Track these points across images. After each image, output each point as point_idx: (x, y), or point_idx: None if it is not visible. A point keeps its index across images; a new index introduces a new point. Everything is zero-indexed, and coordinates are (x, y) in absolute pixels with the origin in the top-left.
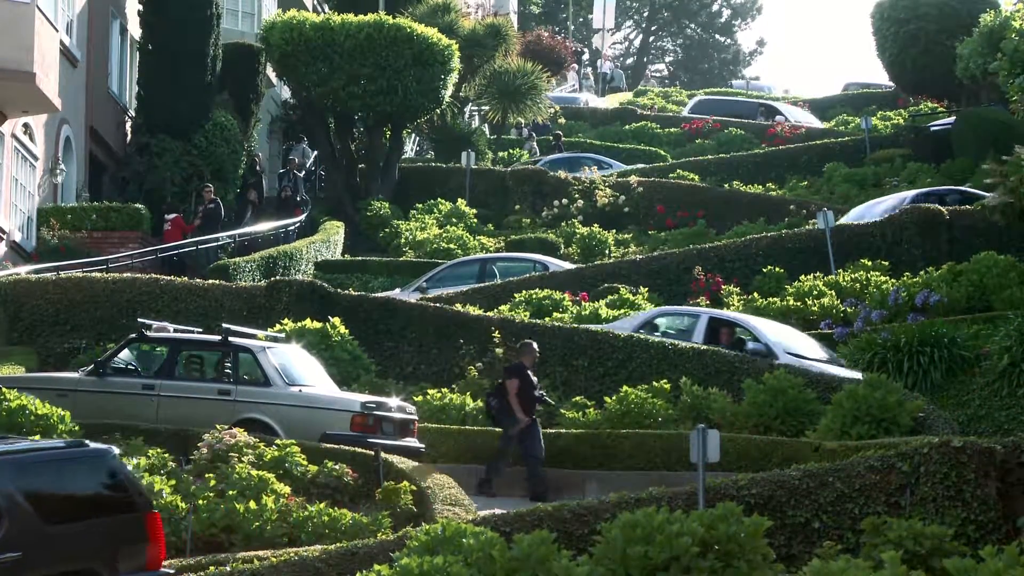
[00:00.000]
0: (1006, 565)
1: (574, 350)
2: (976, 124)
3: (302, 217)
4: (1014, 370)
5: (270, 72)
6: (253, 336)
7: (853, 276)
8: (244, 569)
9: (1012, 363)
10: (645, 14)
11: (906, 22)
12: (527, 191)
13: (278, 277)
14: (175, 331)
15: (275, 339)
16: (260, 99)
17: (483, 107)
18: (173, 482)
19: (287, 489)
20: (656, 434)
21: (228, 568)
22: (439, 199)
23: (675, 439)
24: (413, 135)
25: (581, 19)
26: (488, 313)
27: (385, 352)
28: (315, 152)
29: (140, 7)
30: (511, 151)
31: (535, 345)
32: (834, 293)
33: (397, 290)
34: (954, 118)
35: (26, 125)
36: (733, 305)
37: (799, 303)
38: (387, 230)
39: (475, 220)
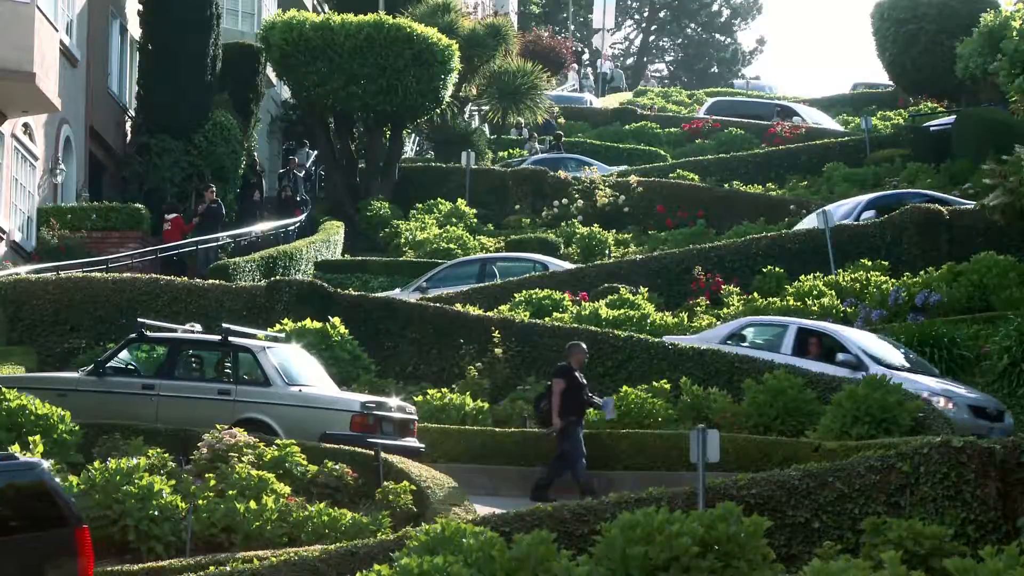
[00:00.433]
0: (1006, 565)
1: None
2: (976, 124)
3: (302, 217)
4: (1014, 370)
5: (270, 72)
6: (253, 336)
7: (853, 276)
8: (244, 569)
9: (1012, 363)
10: (645, 14)
11: (906, 22)
12: (527, 191)
13: (278, 277)
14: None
15: (275, 339)
16: (260, 99)
17: (483, 107)
18: (173, 482)
19: (287, 489)
20: (656, 434)
21: (228, 568)
22: (439, 199)
23: (675, 439)
24: (413, 135)
25: (581, 19)
26: (488, 313)
27: (385, 352)
28: (315, 152)
29: (140, 7)
30: (511, 151)
31: (583, 346)
32: (834, 293)
33: (397, 290)
34: (953, 117)
35: (26, 125)
36: (733, 305)
37: (799, 303)
38: (387, 230)
39: (475, 220)
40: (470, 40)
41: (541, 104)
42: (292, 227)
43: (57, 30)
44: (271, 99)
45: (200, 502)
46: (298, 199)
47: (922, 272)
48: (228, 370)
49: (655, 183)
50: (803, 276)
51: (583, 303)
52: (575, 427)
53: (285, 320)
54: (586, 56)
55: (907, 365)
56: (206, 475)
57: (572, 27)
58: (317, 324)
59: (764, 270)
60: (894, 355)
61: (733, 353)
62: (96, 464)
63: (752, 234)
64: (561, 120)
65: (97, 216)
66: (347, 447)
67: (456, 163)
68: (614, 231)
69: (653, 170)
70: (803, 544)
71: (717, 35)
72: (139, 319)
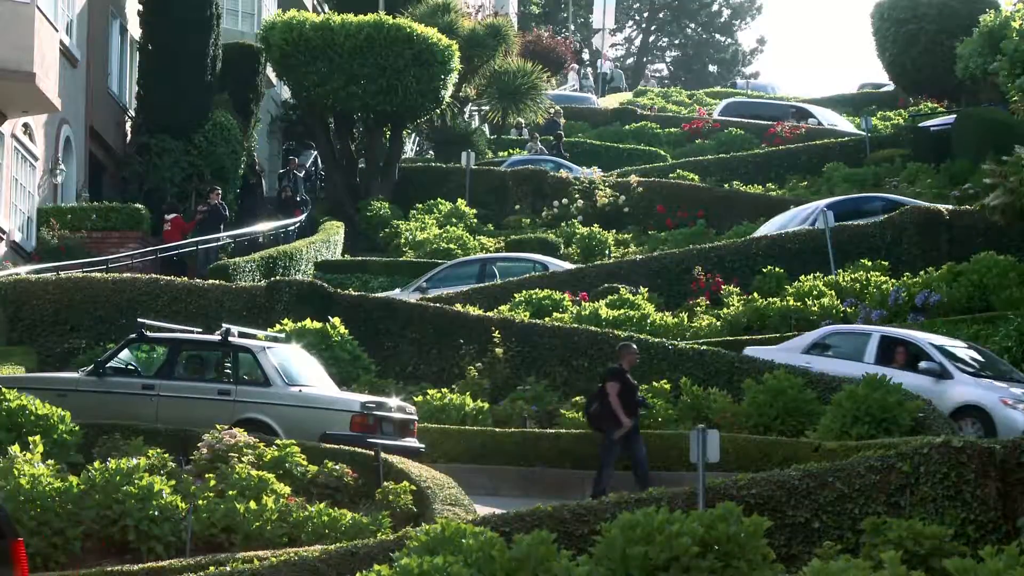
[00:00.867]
0: (1006, 565)
1: (574, 350)
2: (976, 124)
3: (302, 217)
4: None
5: (270, 72)
6: (253, 336)
7: (853, 276)
8: (244, 569)
9: (1012, 363)
10: (645, 14)
11: (906, 22)
12: (527, 191)
13: (278, 277)
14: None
15: (275, 339)
16: (260, 99)
17: (483, 107)
18: (173, 482)
19: (287, 489)
20: (656, 434)
21: (228, 568)
22: (439, 199)
23: (675, 439)
24: (413, 135)
25: (581, 19)
26: (488, 313)
27: (385, 352)
28: (315, 152)
29: (140, 7)
30: (511, 151)
31: (634, 346)
32: (834, 293)
33: (397, 290)
34: (951, 117)
35: (26, 125)
36: (733, 305)
37: (799, 303)
38: (387, 230)
39: (475, 220)
40: (470, 40)
41: (541, 104)
42: (292, 227)
43: (57, 30)
44: (271, 99)
45: (200, 502)
46: (298, 199)
47: (922, 272)
48: (228, 370)
49: (655, 183)
50: (803, 276)
51: (583, 303)
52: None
53: (285, 320)
54: (586, 56)
55: (990, 373)
56: (206, 475)
57: (572, 27)
58: (317, 324)
59: (764, 270)
60: (978, 361)
61: (734, 354)
62: (96, 464)
63: (752, 234)
64: (561, 120)
65: (97, 216)
66: (347, 447)
67: (456, 163)
68: (614, 231)
69: (653, 170)
70: (803, 544)
71: (717, 35)
72: (139, 319)
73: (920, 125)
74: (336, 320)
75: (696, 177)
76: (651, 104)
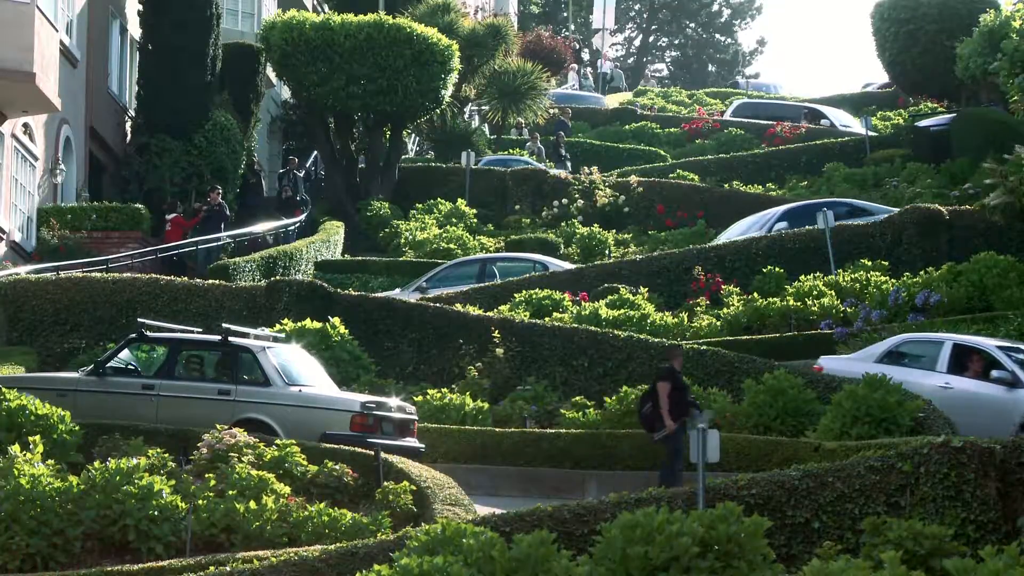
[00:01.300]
0: (1006, 565)
1: (574, 350)
2: (976, 124)
3: (302, 217)
4: None
5: (270, 72)
6: (246, 335)
7: (853, 276)
8: (244, 569)
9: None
10: (645, 14)
11: (906, 22)
12: (527, 191)
13: (278, 277)
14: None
15: (275, 339)
16: (260, 99)
17: (483, 107)
18: (173, 482)
19: (287, 489)
20: None
21: (228, 568)
22: (439, 199)
23: None
24: (413, 135)
25: (581, 19)
26: (488, 313)
27: (385, 352)
28: (314, 152)
29: (140, 7)
30: (511, 151)
31: (683, 347)
32: (834, 293)
33: (397, 290)
34: (949, 116)
35: (26, 125)
36: (733, 305)
37: (799, 303)
38: (387, 230)
39: (475, 220)
40: (470, 40)
41: (541, 104)
42: (292, 227)
43: (57, 30)
44: (271, 99)
45: (200, 502)
46: (298, 199)
47: (922, 272)
48: (228, 370)
49: (655, 183)
50: (803, 276)
51: (583, 303)
52: (677, 430)
53: (285, 320)
54: (586, 56)
55: None
56: (206, 475)
57: (572, 27)
58: (317, 324)
59: (764, 270)
60: None
61: (734, 353)
62: (96, 464)
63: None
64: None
65: (97, 216)
66: (347, 447)
67: (456, 163)
68: (614, 231)
69: (653, 170)
70: (803, 544)
71: (717, 35)
72: (139, 319)
73: (918, 125)
74: (336, 320)
75: (696, 177)
76: (651, 104)
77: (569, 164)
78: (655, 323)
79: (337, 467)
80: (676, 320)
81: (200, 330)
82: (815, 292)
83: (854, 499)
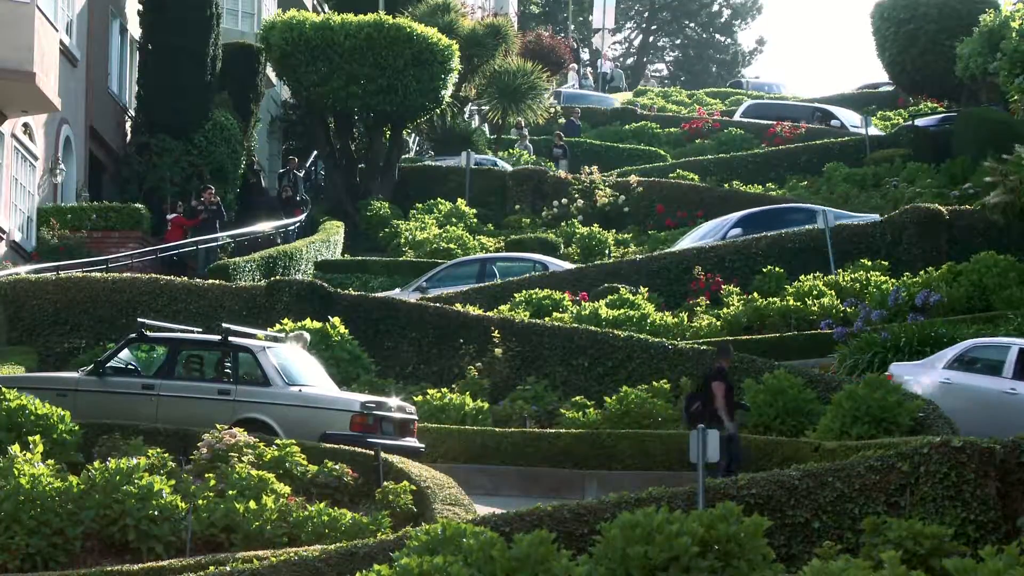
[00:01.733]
0: (1006, 565)
1: (574, 350)
2: (976, 124)
3: (302, 217)
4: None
5: (270, 72)
6: (253, 336)
7: (853, 276)
8: (244, 569)
9: None
10: (645, 14)
11: (906, 22)
12: (527, 191)
13: (278, 277)
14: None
15: (275, 339)
16: (260, 99)
17: (483, 107)
18: (173, 482)
19: (287, 489)
20: (656, 434)
21: (228, 568)
22: (439, 199)
23: (675, 439)
24: (413, 135)
25: (581, 19)
26: (488, 313)
27: (385, 352)
28: (315, 152)
29: (140, 7)
30: (511, 151)
31: (731, 347)
32: (834, 293)
33: (397, 290)
34: (945, 114)
35: (26, 125)
36: (733, 305)
37: (799, 303)
38: (387, 230)
39: (475, 220)
40: (470, 40)
41: (541, 104)
42: (292, 227)
43: (57, 30)
44: (271, 99)
45: (200, 502)
46: (298, 199)
47: (922, 272)
48: (228, 370)
49: (655, 183)
50: (803, 276)
51: (583, 303)
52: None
53: (285, 320)
54: (585, 56)
55: None
56: (206, 475)
57: (572, 27)
58: (317, 324)
59: (764, 270)
60: None
61: (733, 353)
62: (96, 464)
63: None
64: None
65: (97, 216)
66: (347, 447)
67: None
68: (614, 231)
69: (653, 170)
70: (803, 544)
71: (717, 35)
72: (139, 319)
73: (916, 124)
74: (336, 320)
75: (696, 177)
76: (651, 104)
77: (566, 162)
78: (655, 323)
79: (337, 467)
80: (676, 320)
81: (200, 330)
82: (815, 292)
83: (854, 499)
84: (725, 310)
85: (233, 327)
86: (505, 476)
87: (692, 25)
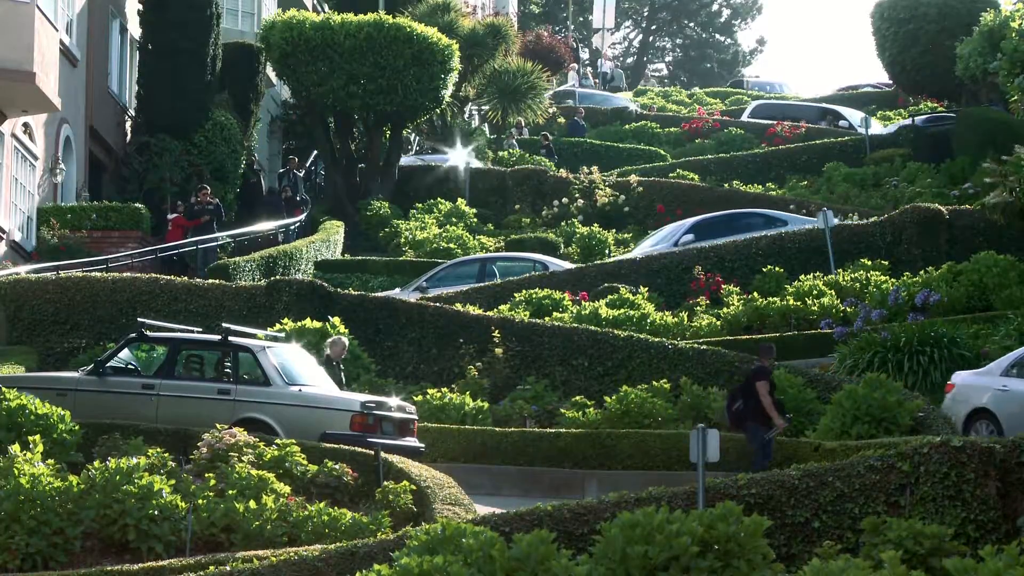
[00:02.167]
0: (1006, 565)
1: (574, 350)
2: (976, 124)
3: (302, 217)
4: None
5: (270, 72)
6: (253, 336)
7: (853, 276)
8: (244, 569)
9: None
10: (645, 14)
11: (906, 22)
12: (527, 191)
13: (278, 277)
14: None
15: (275, 339)
16: (260, 99)
17: (483, 107)
18: (173, 482)
19: (287, 489)
20: (656, 434)
21: (228, 568)
22: (439, 199)
23: (675, 439)
24: (413, 135)
25: (581, 19)
26: (488, 313)
27: (385, 352)
28: (315, 152)
29: (140, 7)
30: (510, 151)
31: (774, 346)
32: (834, 293)
33: (397, 290)
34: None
35: (26, 125)
36: (733, 305)
37: (799, 303)
38: (387, 230)
39: (475, 220)
40: (470, 40)
41: (541, 103)
42: (292, 227)
43: (57, 30)
44: (271, 99)
45: (200, 502)
46: (298, 199)
47: (922, 272)
48: (228, 370)
49: (655, 183)
50: (803, 276)
51: (583, 303)
52: (761, 430)
53: (285, 320)
54: (585, 55)
55: None
56: (206, 475)
57: (571, 27)
58: (317, 324)
59: (764, 270)
60: None
61: (734, 353)
62: (96, 464)
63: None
64: (561, 120)
65: (97, 216)
66: (347, 447)
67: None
68: (614, 231)
69: (653, 170)
70: (803, 544)
71: (717, 35)
72: (139, 319)
73: (915, 124)
74: (336, 320)
75: (696, 177)
76: (651, 104)
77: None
78: (655, 323)
79: (337, 467)
80: (676, 320)
81: (200, 330)
82: (815, 292)
83: (854, 499)
84: (725, 310)
85: (233, 327)
86: (505, 476)
87: (692, 25)
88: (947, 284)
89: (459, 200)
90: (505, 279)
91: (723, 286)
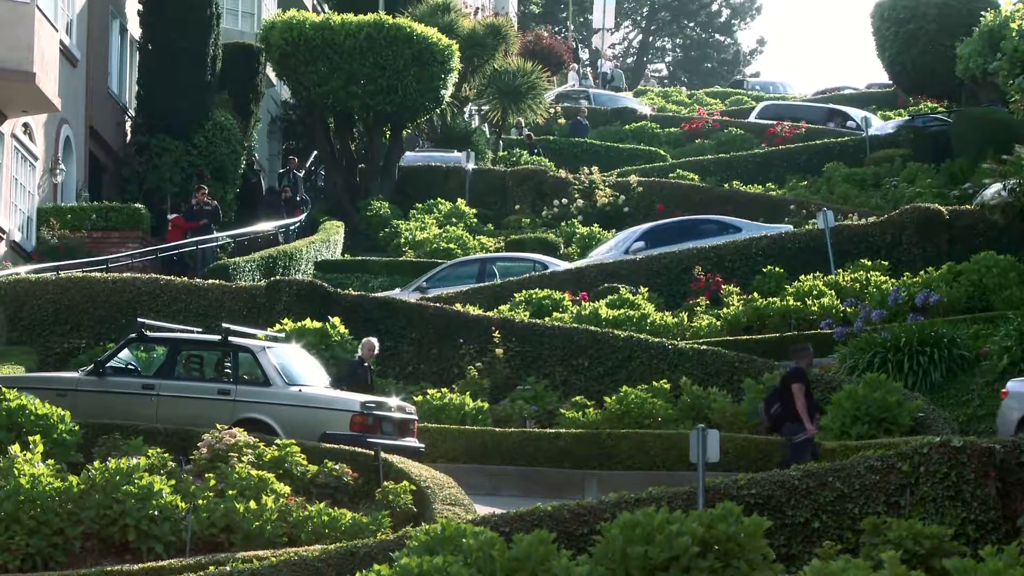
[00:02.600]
0: (1006, 565)
1: (574, 350)
2: (976, 124)
3: (302, 217)
4: (1014, 370)
5: (270, 72)
6: (253, 336)
7: (853, 276)
8: (244, 569)
9: (1012, 363)
10: (645, 14)
11: (906, 22)
12: (527, 191)
13: (278, 277)
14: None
15: (275, 339)
16: (260, 99)
17: (483, 107)
18: (173, 482)
19: (287, 489)
20: (656, 434)
21: (228, 568)
22: (439, 199)
23: (675, 439)
24: (413, 135)
25: (581, 19)
26: (488, 313)
27: (385, 352)
28: (315, 152)
29: (140, 7)
30: (511, 151)
31: (810, 347)
32: (834, 293)
33: (397, 290)
34: (945, 113)
35: (26, 125)
36: (733, 305)
37: (799, 303)
38: (387, 230)
39: (475, 220)
40: (470, 40)
41: (541, 103)
42: (292, 227)
43: (57, 30)
44: (271, 99)
45: (200, 502)
46: (298, 199)
47: (922, 272)
48: (228, 370)
49: (655, 183)
50: (803, 276)
51: (583, 303)
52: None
53: (285, 320)
54: (584, 55)
55: None
56: (206, 475)
57: (572, 27)
58: (317, 324)
59: (764, 270)
60: None
61: (734, 353)
62: (96, 464)
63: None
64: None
65: (97, 216)
66: (347, 447)
67: (456, 163)
68: (614, 231)
69: (653, 170)
70: (803, 544)
71: (717, 35)
72: (139, 319)
73: (915, 124)
74: (336, 320)
75: (696, 177)
76: (651, 104)
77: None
78: (655, 323)
79: (337, 467)
80: (676, 320)
81: (200, 330)
82: (815, 292)
83: (854, 499)
84: (725, 310)
85: (233, 327)
86: (505, 476)
87: (692, 25)
88: (947, 284)
89: (459, 200)
90: (505, 279)
91: (723, 286)
